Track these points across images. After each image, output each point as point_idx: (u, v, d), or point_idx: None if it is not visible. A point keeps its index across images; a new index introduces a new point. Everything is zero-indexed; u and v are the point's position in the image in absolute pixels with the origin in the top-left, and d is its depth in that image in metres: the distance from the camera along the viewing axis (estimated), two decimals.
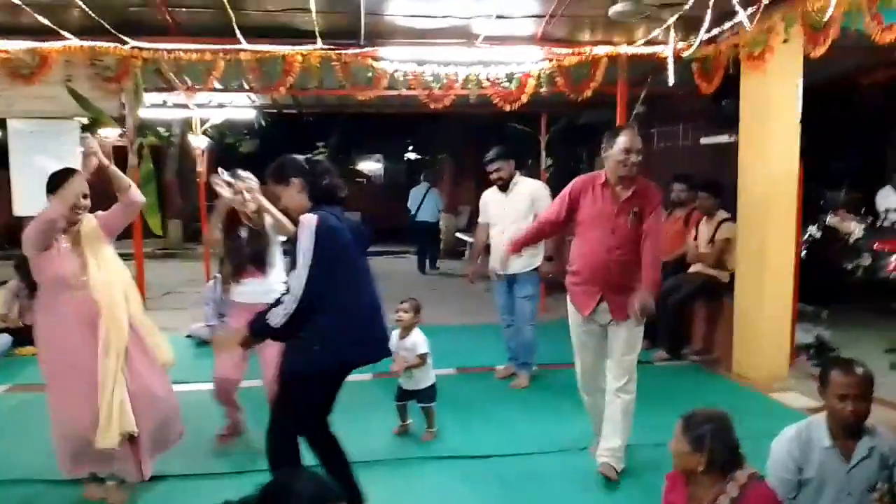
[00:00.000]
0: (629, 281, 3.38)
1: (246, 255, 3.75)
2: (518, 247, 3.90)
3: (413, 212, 11.72)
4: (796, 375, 4.93)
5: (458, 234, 13.11)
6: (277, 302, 2.69)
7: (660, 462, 3.07)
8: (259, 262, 3.75)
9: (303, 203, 2.77)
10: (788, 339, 5.04)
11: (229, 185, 3.68)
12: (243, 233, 3.78)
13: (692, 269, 5.76)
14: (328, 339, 2.67)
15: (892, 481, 2.18)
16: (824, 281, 6.82)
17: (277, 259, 3.82)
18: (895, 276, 6.76)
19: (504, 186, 5.05)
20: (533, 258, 4.99)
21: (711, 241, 5.65)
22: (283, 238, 3.74)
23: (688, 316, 5.80)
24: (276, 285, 3.62)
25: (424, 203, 11.67)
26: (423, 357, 3.89)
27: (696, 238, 5.81)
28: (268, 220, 3.73)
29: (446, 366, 5.23)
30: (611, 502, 3.27)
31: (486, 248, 5.24)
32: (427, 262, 11.60)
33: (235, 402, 3.94)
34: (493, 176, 5.06)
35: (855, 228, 7.81)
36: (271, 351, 3.48)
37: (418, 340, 3.90)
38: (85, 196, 3.18)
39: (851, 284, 7.28)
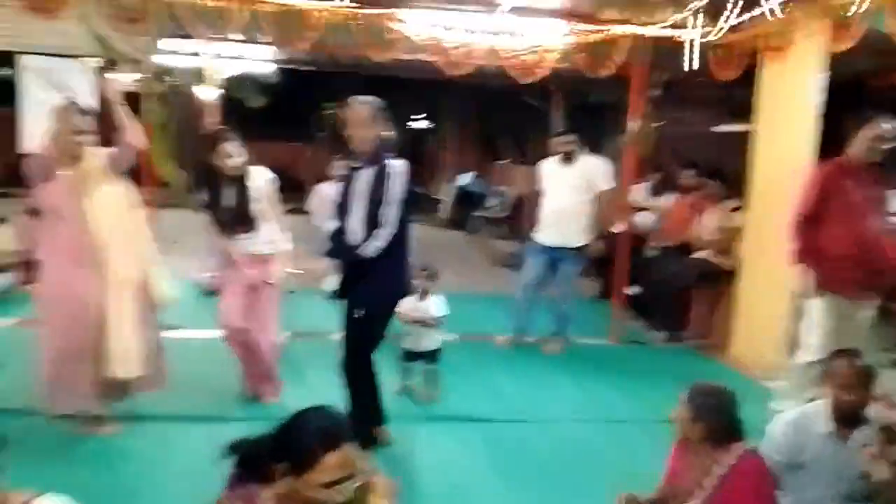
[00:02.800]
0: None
1: (229, 217, 3.69)
2: (804, 252, 3.80)
3: None
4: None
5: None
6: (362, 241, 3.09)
7: (654, 438, 3.16)
8: (244, 222, 3.69)
9: (372, 143, 3.16)
10: (787, 329, 5.10)
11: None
12: (226, 191, 3.69)
13: (696, 254, 5.81)
14: (396, 275, 3.22)
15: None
16: None
17: (268, 214, 3.76)
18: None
19: (567, 159, 5.12)
20: (580, 234, 5.10)
21: (718, 228, 5.69)
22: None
23: (688, 300, 5.86)
24: (275, 236, 3.73)
25: None
26: (436, 320, 3.95)
27: (702, 224, 5.85)
28: (252, 179, 3.70)
29: (449, 331, 5.29)
30: (601, 473, 3.35)
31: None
32: None
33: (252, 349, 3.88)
34: (563, 148, 5.15)
35: None
36: (264, 304, 3.71)
37: (434, 304, 3.97)
38: (80, 132, 3.16)
39: None
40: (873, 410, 2.38)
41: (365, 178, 3.22)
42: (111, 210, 3.23)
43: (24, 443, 2.99)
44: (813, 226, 3.71)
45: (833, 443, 2.39)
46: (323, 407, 1.69)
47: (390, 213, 3.12)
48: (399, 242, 3.18)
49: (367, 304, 3.21)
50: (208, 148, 3.66)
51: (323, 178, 6.28)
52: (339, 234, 3.28)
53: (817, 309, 3.72)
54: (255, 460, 1.70)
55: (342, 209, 3.29)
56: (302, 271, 3.53)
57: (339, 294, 3.33)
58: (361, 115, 3.17)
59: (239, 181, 3.68)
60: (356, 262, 3.18)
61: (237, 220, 3.68)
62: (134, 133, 3.26)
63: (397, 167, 3.16)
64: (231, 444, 1.75)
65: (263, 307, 3.79)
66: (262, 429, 1.74)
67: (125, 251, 3.25)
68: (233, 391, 3.98)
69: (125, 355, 3.20)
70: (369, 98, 3.23)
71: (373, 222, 3.14)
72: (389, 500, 1.78)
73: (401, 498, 2.28)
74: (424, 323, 3.93)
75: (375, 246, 3.11)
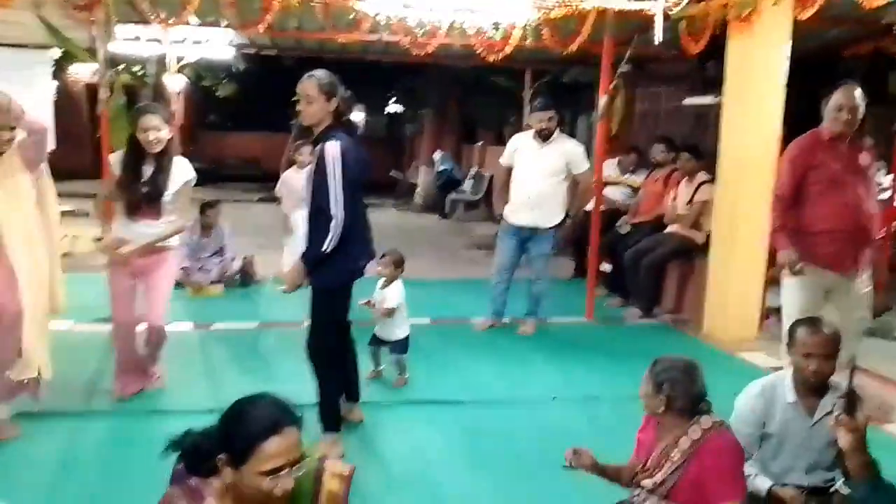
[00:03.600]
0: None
1: (141, 194, 3.49)
2: (783, 235, 3.70)
3: None
4: (764, 337, 5.03)
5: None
6: (317, 230, 3.01)
7: (627, 414, 3.12)
8: (154, 203, 3.52)
9: (325, 119, 3.04)
10: (759, 302, 5.11)
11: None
12: (147, 168, 3.52)
13: (668, 229, 5.79)
14: (349, 253, 3.09)
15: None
16: None
17: (175, 205, 3.59)
18: None
19: (546, 137, 5.00)
20: (554, 215, 5.03)
21: (690, 202, 5.67)
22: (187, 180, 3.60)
23: (662, 276, 5.85)
24: (161, 227, 3.58)
25: None
26: (388, 311, 3.85)
27: (674, 199, 5.83)
28: (175, 164, 3.55)
29: (421, 315, 5.25)
30: None
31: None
32: None
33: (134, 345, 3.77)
34: (542, 125, 4.97)
35: None
36: (156, 293, 3.64)
37: (389, 294, 3.87)
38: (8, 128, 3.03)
39: None
40: (838, 377, 2.36)
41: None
42: (16, 208, 3.12)
43: None
44: (793, 204, 3.66)
45: (799, 412, 2.37)
46: (263, 394, 1.62)
47: (335, 203, 2.96)
48: (352, 222, 3.04)
49: (323, 282, 3.14)
50: (132, 122, 3.50)
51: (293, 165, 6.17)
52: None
53: (797, 286, 3.68)
54: (198, 454, 1.63)
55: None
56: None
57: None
58: (305, 88, 3.03)
59: (160, 159, 3.51)
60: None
61: (149, 200, 3.51)
62: (29, 117, 3.06)
63: (329, 149, 2.96)
64: (174, 438, 1.68)
65: (152, 295, 3.67)
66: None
67: (29, 250, 3.16)
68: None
69: (26, 356, 3.14)
70: (318, 71, 3.06)
71: (317, 210, 3.02)
72: (344, 486, 1.71)
73: (371, 481, 2.24)
74: (386, 312, 3.86)
75: (331, 238, 2.99)
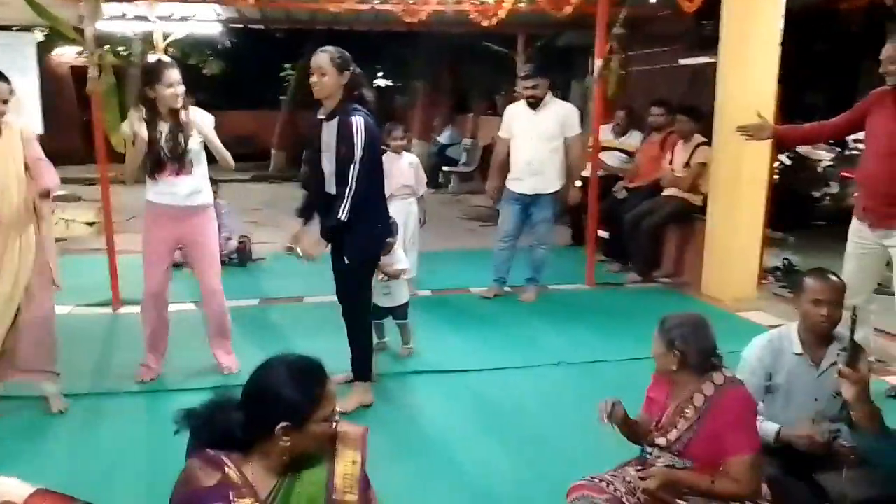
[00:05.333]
0: None
1: (165, 150, 3.47)
2: (791, 140, 3.89)
3: None
4: (764, 296, 5.06)
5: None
6: (334, 198, 3.14)
7: (630, 376, 3.14)
8: (179, 159, 3.49)
9: (337, 93, 3.16)
10: (757, 262, 5.14)
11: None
12: (164, 128, 3.49)
13: (666, 192, 5.78)
14: (379, 221, 3.32)
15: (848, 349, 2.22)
16: (793, 207, 6.92)
17: (202, 158, 3.59)
18: None
19: (535, 104, 4.99)
20: (555, 180, 5.04)
21: (687, 164, 5.65)
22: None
23: (660, 239, 5.86)
24: (200, 185, 3.58)
25: None
26: (401, 271, 3.86)
27: (671, 162, 5.81)
28: (191, 116, 3.52)
29: (423, 288, 5.26)
30: (580, 414, 3.33)
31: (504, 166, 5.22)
32: None
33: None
34: (528, 93, 5.00)
35: (825, 157, 7.91)
36: (208, 252, 3.67)
37: (399, 255, 3.89)
38: None
39: (819, 211, 7.41)
40: (841, 329, 2.37)
41: (329, 131, 3.22)
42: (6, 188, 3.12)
43: None
44: (822, 129, 3.75)
45: (805, 363, 2.38)
46: (281, 356, 1.63)
47: (353, 172, 3.09)
48: (373, 194, 3.23)
49: (354, 252, 3.27)
50: (148, 80, 3.45)
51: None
52: (316, 192, 3.37)
53: (847, 255, 3.68)
54: (214, 428, 1.61)
55: (314, 161, 3.33)
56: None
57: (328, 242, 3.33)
58: (318, 61, 3.15)
59: (175, 115, 3.48)
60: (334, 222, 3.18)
61: (173, 155, 3.47)
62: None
63: (355, 122, 3.10)
64: (181, 416, 1.65)
65: (203, 255, 3.67)
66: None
67: (22, 235, 3.18)
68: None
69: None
70: (329, 47, 3.18)
71: (342, 178, 3.13)
72: (359, 448, 1.72)
73: (382, 451, 2.26)
74: (397, 272, 3.85)
75: (345, 208, 3.11)
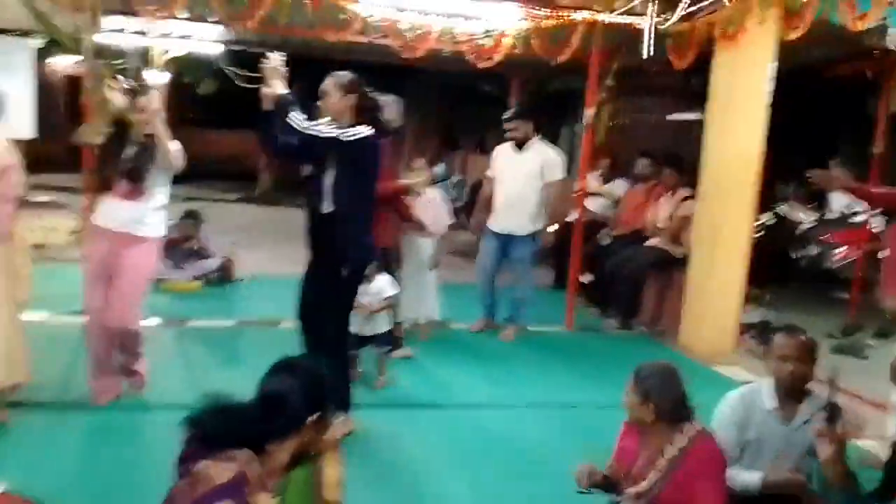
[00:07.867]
0: None
1: (122, 167, 3.38)
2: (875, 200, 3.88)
3: None
4: (740, 352, 5.09)
5: None
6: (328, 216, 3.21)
7: (606, 423, 3.14)
8: (135, 179, 3.37)
9: (346, 113, 3.22)
10: (736, 317, 5.17)
11: (132, 92, 3.48)
12: (129, 149, 3.43)
13: (649, 242, 5.84)
14: (368, 241, 3.37)
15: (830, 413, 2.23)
16: (772, 266, 7.01)
17: (158, 184, 3.48)
18: (838, 266, 6.98)
19: (519, 145, 5.07)
20: (534, 222, 5.08)
21: (670, 217, 5.73)
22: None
23: (640, 287, 5.90)
24: (148, 215, 3.47)
25: None
26: (389, 300, 3.86)
27: (656, 213, 5.88)
28: (162, 142, 3.42)
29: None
30: (557, 457, 3.31)
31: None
32: None
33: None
34: (509, 134, 5.10)
35: (805, 219, 8.05)
36: (123, 284, 3.43)
37: (384, 285, 3.87)
38: None
39: (797, 271, 7.51)
40: (818, 389, 2.39)
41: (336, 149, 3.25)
42: None
43: None
44: None
45: (777, 419, 2.40)
46: (290, 359, 1.84)
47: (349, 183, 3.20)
48: (366, 217, 3.33)
49: (350, 261, 3.30)
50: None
51: None
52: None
53: None
54: (229, 431, 1.64)
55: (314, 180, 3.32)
56: None
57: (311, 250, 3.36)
58: (323, 85, 3.27)
59: (145, 140, 3.42)
60: (324, 223, 3.25)
61: (129, 175, 3.38)
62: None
63: (362, 140, 3.18)
64: (192, 416, 1.68)
65: (117, 285, 3.43)
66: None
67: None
68: None
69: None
70: (340, 72, 3.29)
71: (339, 190, 3.20)
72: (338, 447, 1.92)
73: (351, 483, 2.24)
74: (383, 305, 3.85)
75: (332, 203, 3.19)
